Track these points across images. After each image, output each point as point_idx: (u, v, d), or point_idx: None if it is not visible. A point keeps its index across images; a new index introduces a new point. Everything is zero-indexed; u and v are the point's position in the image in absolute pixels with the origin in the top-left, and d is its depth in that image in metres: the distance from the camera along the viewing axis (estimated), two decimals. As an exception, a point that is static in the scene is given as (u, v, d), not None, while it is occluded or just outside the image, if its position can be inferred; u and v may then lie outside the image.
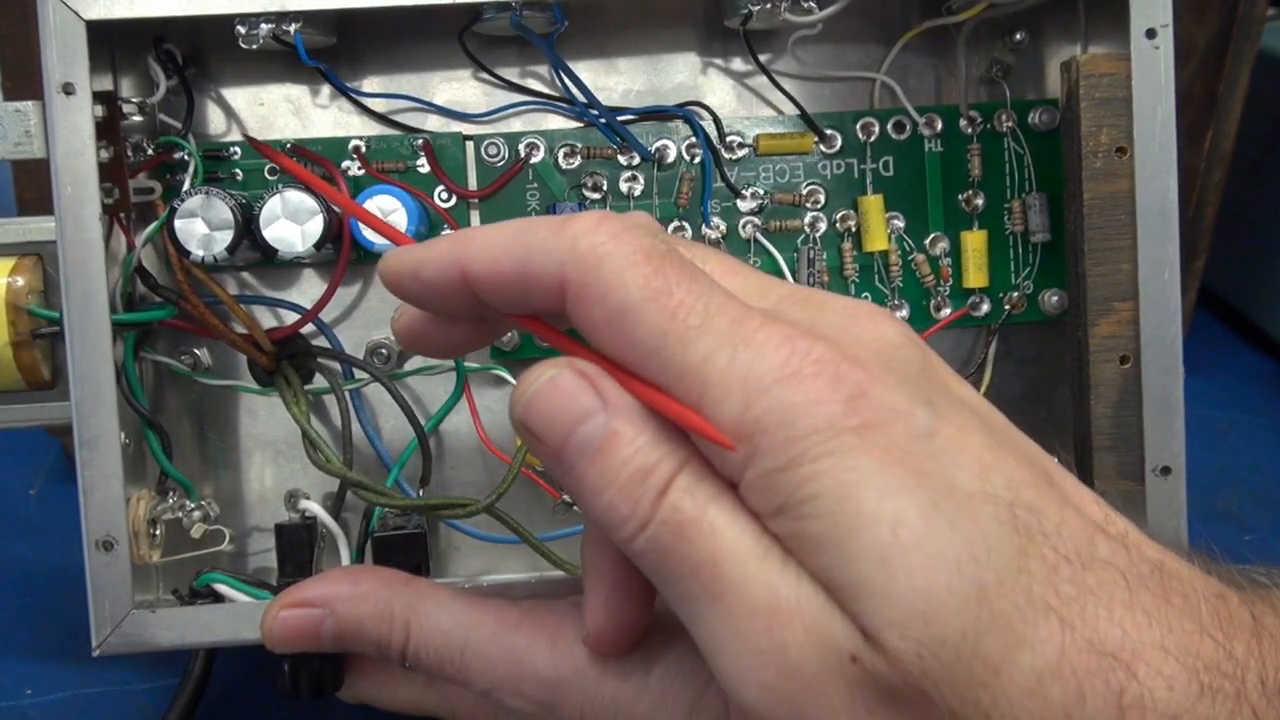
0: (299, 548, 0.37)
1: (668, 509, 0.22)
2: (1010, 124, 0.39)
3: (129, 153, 0.36)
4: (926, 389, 0.22)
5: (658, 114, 0.39)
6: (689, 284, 0.22)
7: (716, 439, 0.21)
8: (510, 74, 0.39)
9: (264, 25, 0.34)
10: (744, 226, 0.39)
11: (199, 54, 0.38)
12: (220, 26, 0.35)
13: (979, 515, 0.20)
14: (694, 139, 0.39)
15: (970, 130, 0.39)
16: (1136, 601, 0.21)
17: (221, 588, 0.35)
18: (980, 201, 0.40)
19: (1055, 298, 0.40)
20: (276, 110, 0.39)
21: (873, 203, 0.39)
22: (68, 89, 0.33)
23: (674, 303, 0.22)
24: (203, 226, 0.35)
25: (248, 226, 0.35)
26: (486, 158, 0.39)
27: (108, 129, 0.34)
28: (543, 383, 0.23)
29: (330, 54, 0.38)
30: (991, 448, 0.22)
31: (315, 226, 0.35)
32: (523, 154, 0.39)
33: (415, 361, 0.39)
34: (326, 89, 0.39)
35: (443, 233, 0.38)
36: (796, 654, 0.21)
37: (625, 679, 0.30)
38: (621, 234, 0.23)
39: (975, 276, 0.39)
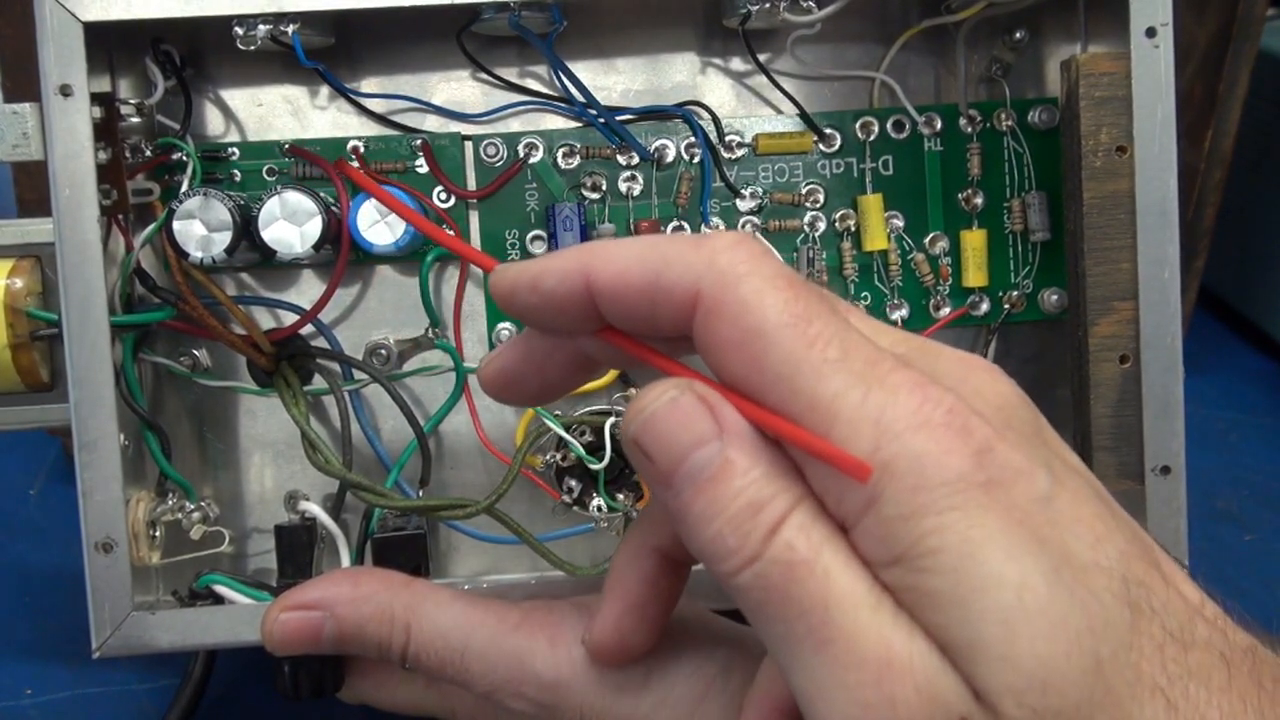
0: (299, 549, 0.37)
1: (780, 546, 0.21)
2: (1010, 123, 0.39)
3: (127, 154, 0.36)
4: (1043, 451, 0.22)
5: (657, 114, 0.39)
6: (828, 316, 0.22)
7: (850, 465, 0.21)
8: (509, 74, 0.39)
9: (262, 26, 0.34)
10: (743, 226, 0.39)
11: (197, 55, 0.38)
12: (218, 27, 0.35)
13: (1095, 586, 0.20)
14: (693, 139, 0.39)
15: (970, 129, 0.39)
16: (1234, 685, 0.21)
17: (221, 589, 0.35)
18: (980, 200, 0.39)
19: (1055, 297, 0.40)
20: (275, 111, 0.39)
21: (872, 202, 0.39)
22: (65, 91, 0.33)
23: (813, 332, 0.21)
24: (201, 228, 0.35)
25: (246, 228, 0.35)
26: (485, 158, 0.39)
27: (106, 130, 0.34)
28: (662, 403, 0.22)
29: (328, 54, 0.37)
30: (1104, 518, 0.22)
31: (314, 228, 0.35)
32: (521, 154, 0.39)
33: (414, 362, 0.39)
34: (325, 89, 0.39)
35: (445, 229, 0.38)
36: (905, 710, 0.20)
37: (625, 681, 0.30)
38: (761, 256, 0.22)
39: (975, 276, 0.39)
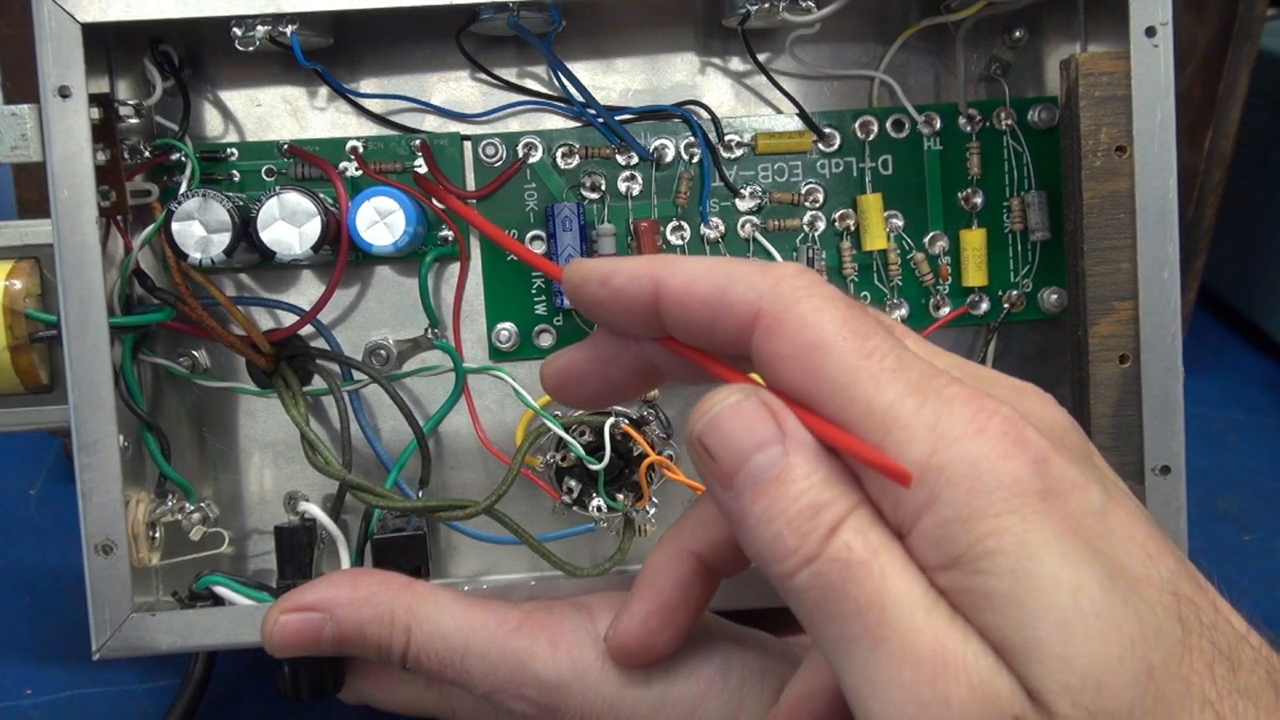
0: (298, 550, 0.36)
1: (838, 546, 0.22)
2: (1009, 122, 0.39)
3: (125, 155, 0.36)
4: (1096, 470, 0.23)
5: (656, 113, 0.39)
6: (884, 334, 0.23)
7: (896, 472, 0.21)
8: (508, 74, 0.39)
9: (260, 27, 0.34)
10: (743, 226, 0.39)
11: (195, 56, 0.38)
12: (216, 28, 0.35)
13: (1148, 597, 0.21)
14: (692, 138, 0.39)
15: (969, 128, 0.39)
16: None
17: (221, 590, 0.35)
18: (979, 200, 0.39)
19: (1054, 296, 0.40)
20: (273, 111, 0.39)
21: (872, 201, 0.39)
22: (64, 92, 0.33)
23: (870, 346, 0.22)
24: (200, 229, 0.35)
25: (245, 228, 0.35)
26: (484, 158, 0.39)
27: (104, 131, 0.34)
28: (728, 404, 0.23)
29: (327, 55, 0.37)
30: (1155, 539, 0.22)
31: (313, 229, 0.35)
32: (520, 154, 0.39)
33: (414, 362, 0.39)
34: (324, 90, 0.39)
35: (445, 233, 0.38)
36: (959, 709, 0.20)
37: (626, 682, 0.30)
38: (823, 283, 0.24)
39: (974, 275, 0.39)
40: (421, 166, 0.38)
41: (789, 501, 0.22)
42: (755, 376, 0.25)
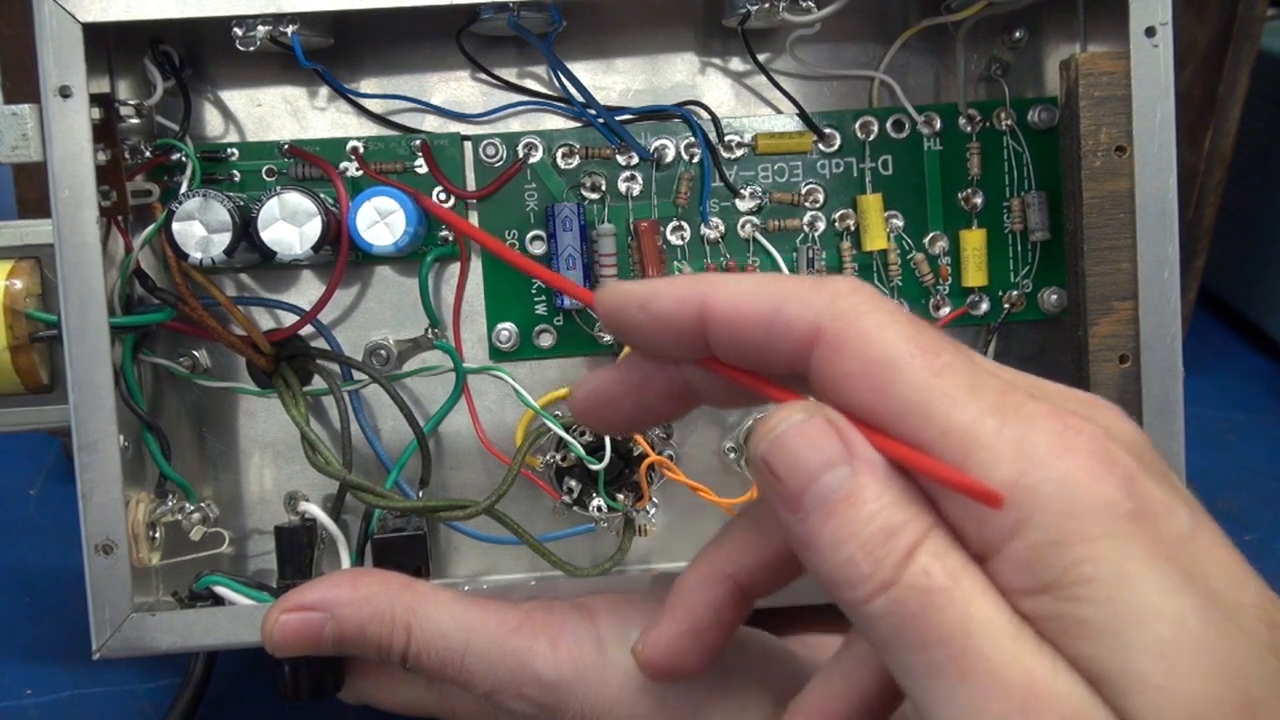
0: (299, 550, 0.36)
1: (916, 572, 0.21)
2: (1009, 122, 0.39)
3: (126, 155, 0.36)
4: (1177, 490, 0.22)
5: (656, 113, 0.39)
6: (954, 349, 0.22)
7: (986, 494, 0.20)
8: (508, 74, 0.39)
9: (261, 27, 0.34)
10: (743, 226, 0.39)
11: (196, 56, 0.38)
12: (217, 28, 0.35)
13: (1243, 627, 0.20)
14: (692, 138, 0.39)
15: (969, 128, 0.39)
16: None
17: (221, 590, 0.35)
18: (979, 200, 0.39)
19: (1054, 296, 0.40)
20: (274, 112, 0.39)
21: (872, 202, 0.39)
22: (64, 92, 0.33)
23: (941, 362, 0.21)
24: (200, 229, 0.35)
25: (245, 228, 0.35)
26: (484, 158, 0.39)
27: (105, 131, 0.34)
28: (793, 423, 0.22)
29: (327, 55, 0.37)
30: (1238, 562, 0.21)
31: (313, 229, 0.35)
32: (521, 154, 0.39)
33: (414, 362, 0.39)
34: (324, 90, 0.39)
35: (445, 233, 0.38)
36: None
37: (626, 681, 0.30)
38: (881, 297, 0.23)
39: (974, 275, 0.39)
40: (421, 166, 0.38)
41: (861, 523, 0.21)
42: (809, 399, 0.24)
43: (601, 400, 0.27)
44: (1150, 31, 0.35)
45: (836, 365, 0.22)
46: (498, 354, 0.39)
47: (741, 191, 0.39)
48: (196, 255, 0.35)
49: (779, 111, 0.40)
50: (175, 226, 0.34)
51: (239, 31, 0.34)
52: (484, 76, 0.39)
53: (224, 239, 0.34)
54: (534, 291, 0.39)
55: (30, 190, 0.48)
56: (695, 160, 0.39)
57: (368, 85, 0.39)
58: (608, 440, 0.37)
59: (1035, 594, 0.20)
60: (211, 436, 0.39)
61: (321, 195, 0.36)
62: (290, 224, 0.35)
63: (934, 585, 0.21)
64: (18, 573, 0.48)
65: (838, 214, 0.39)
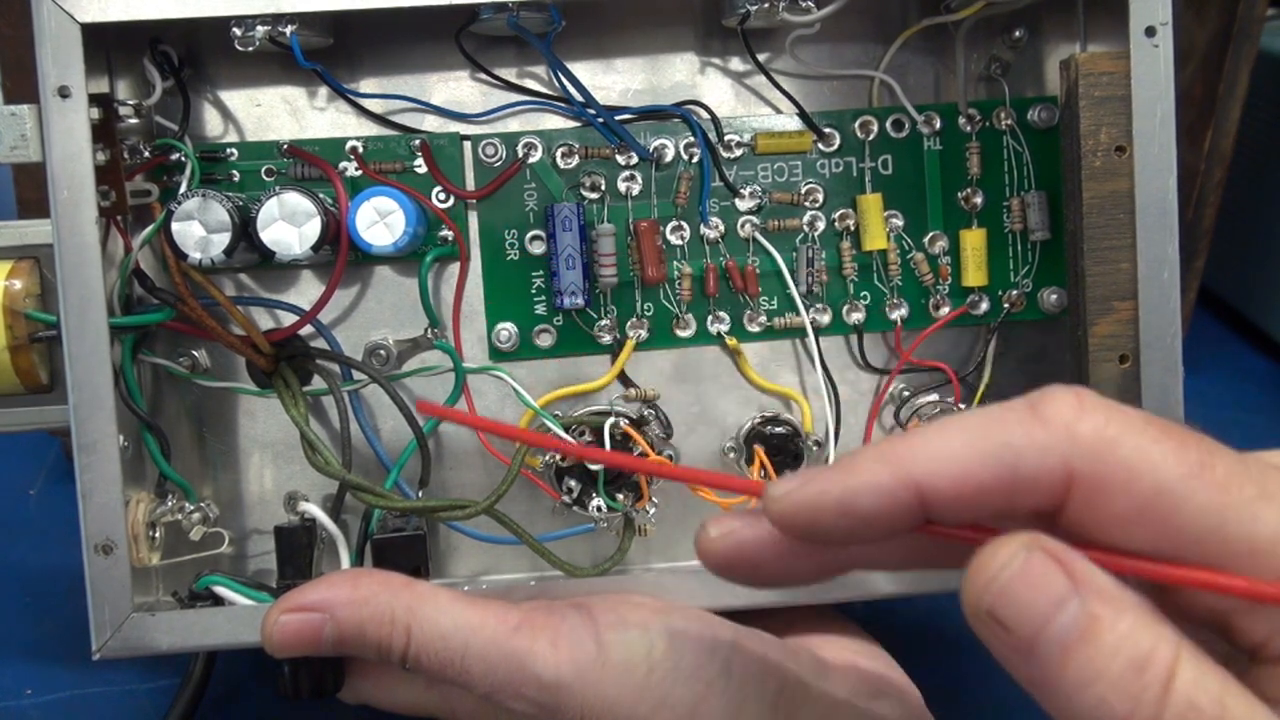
0: (298, 550, 0.36)
1: (1181, 706, 0.19)
2: (1009, 122, 0.39)
3: (125, 155, 0.36)
4: None
5: (656, 113, 0.39)
6: (1218, 450, 0.20)
7: None
8: (507, 74, 0.39)
9: (260, 27, 0.34)
10: (742, 226, 0.39)
11: (195, 56, 0.38)
12: (216, 28, 0.35)
13: None
14: (692, 138, 0.39)
15: (969, 128, 0.39)
16: None
17: (221, 590, 0.35)
18: (979, 200, 0.39)
19: (1054, 296, 0.40)
20: (273, 111, 0.39)
21: (871, 201, 0.39)
22: (63, 92, 0.33)
23: (1221, 475, 0.20)
24: (200, 229, 0.35)
25: (245, 229, 0.35)
26: (484, 158, 0.39)
27: (104, 132, 0.34)
28: (1014, 569, 0.20)
29: (327, 55, 0.37)
30: None
31: (313, 229, 0.35)
32: (520, 154, 0.39)
33: (414, 362, 0.39)
34: (323, 90, 0.39)
35: (445, 233, 0.38)
36: None
37: (626, 681, 0.30)
38: (1116, 409, 0.21)
39: (974, 275, 0.39)
40: (421, 166, 0.38)
41: (1106, 659, 0.19)
42: (1014, 530, 0.21)
43: (743, 561, 0.23)
44: (1150, 31, 0.35)
45: (1102, 509, 0.20)
46: (497, 354, 0.39)
47: (741, 191, 0.39)
48: (196, 255, 0.34)
49: (779, 111, 0.40)
50: (174, 226, 0.34)
51: (238, 31, 0.34)
52: (483, 76, 0.39)
53: (223, 239, 0.34)
54: (534, 291, 0.39)
55: (30, 190, 0.48)
56: (695, 160, 0.39)
57: (367, 85, 0.39)
58: (608, 440, 0.37)
59: None
60: (211, 436, 0.39)
61: (321, 195, 0.36)
62: (289, 224, 0.35)
63: (1204, 718, 0.19)
64: (18, 573, 0.48)
65: (837, 214, 0.39)
